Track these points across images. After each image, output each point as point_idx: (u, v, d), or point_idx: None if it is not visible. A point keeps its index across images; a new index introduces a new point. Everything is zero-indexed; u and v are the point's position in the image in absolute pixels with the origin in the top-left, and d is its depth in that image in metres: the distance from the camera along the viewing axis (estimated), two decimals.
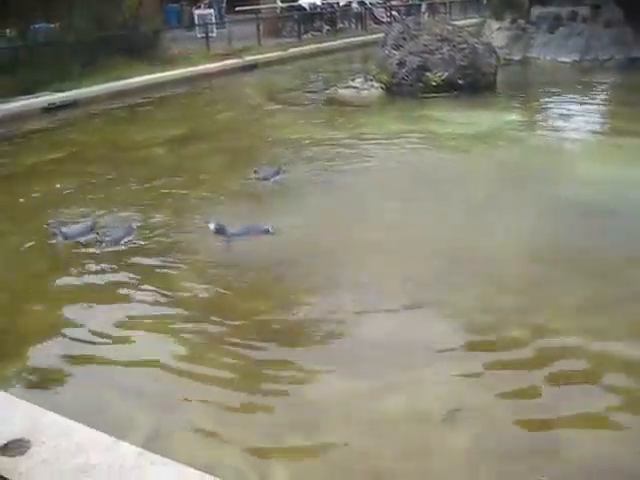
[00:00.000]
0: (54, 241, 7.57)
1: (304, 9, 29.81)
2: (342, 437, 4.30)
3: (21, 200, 9.39)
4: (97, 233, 7.62)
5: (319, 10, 30.85)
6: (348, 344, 5.40)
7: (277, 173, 9.49)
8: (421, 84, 15.19)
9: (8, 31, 20.09)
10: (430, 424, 4.37)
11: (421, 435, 4.28)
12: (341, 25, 31.23)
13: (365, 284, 6.36)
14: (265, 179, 9.31)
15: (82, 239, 7.55)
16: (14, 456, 3.36)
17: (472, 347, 5.25)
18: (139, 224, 7.99)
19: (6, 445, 3.43)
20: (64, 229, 7.65)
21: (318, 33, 28.96)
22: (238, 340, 5.49)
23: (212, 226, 7.45)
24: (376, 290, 6.24)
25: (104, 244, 7.40)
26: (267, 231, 7.49)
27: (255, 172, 9.39)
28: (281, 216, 7.98)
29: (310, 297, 6.16)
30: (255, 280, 6.56)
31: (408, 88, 15.28)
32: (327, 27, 29.99)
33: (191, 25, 28.34)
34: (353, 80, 16.32)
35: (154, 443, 4.04)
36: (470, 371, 4.89)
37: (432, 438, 4.25)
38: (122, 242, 7.47)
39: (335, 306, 5.95)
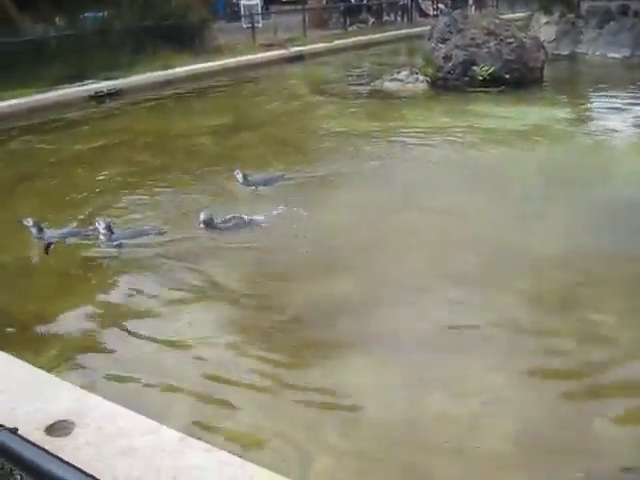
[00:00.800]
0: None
1: (350, 1, 29.75)
2: (380, 431, 4.30)
3: (66, 186, 9.53)
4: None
5: (365, 2, 30.74)
6: (388, 337, 5.41)
7: (271, 181, 9.07)
8: (467, 78, 15.06)
9: (57, 19, 20.34)
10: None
11: (458, 432, 4.28)
12: (387, 17, 31.13)
13: (404, 278, 6.35)
14: (252, 185, 8.92)
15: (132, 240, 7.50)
16: (59, 436, 3.41)
17: (514, 345, 5.21)
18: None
19: (52, 425, 3.49)
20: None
21: (364, 25, 28.86)
22: (282, 327, 5.56)
23: (202, 217, 7.45)
24: (414, 285, 6.23)
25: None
26: (254, 222, 7.57)
27: (244, 177, 8.92)
28: (322, 208, 8.02)
29: (349, 288, 6.19)
30: (299, 268, 6.63)
31: (454, 82, 15.17)
32: (373, 19, 29.90)
33: (237, 15, 28.42)
34: (398, 73, 16.22)
35: (195, 429, 4.08)
36: (512, 371, 4.86)
37: (468, 435, 4.24)
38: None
39: (372, 299, 5.97)
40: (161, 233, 7.49)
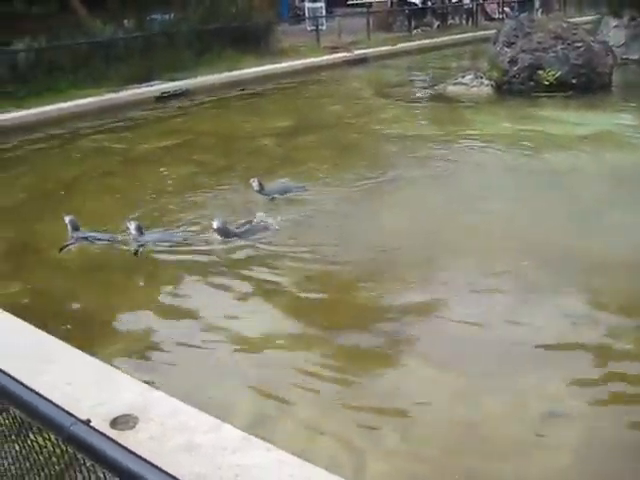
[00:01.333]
0: None
1: (415, 4, 29.59)
2: (439, 431, 4.29)
3: (134, 184, 9.72)
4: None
5: (430, 5, 30.55)
6: (451, 343, 5.38)
7: (288, 190, 8.85)
8: (533, 83, 14.86)
9: (126, 21, 20.72)
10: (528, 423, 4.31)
11: (518, 434, 4.23)
12: (452, 21, 30.87)
13: (467, 283, 6.31)
14: (266, 194, 8.69)
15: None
16: (123, 430, 3.47)
17: (576, 349, 5.14)
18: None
19: (115, 419, 3.55)
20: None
21: (428, 28, 28.68)
22: (345, 330, 5.59)
23: (215, 224, 7.43)
24: (478, 289, 6.19)
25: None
26: (268, 227, 7.56)
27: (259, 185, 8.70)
28: (383, 211, 8.04)
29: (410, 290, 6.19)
30: (363, 270, 6.66)
31: (519, 86, 14.98)
32: (438, 22, 29.70)
33: (300, 18, 28.56)
34: (463, 77, 16.07)
35: (255, 427, 4.11)
36: (573, 375, 4.79)
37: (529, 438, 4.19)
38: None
39: (434, 302, 5.95)
40: (185, 240, 7.52)
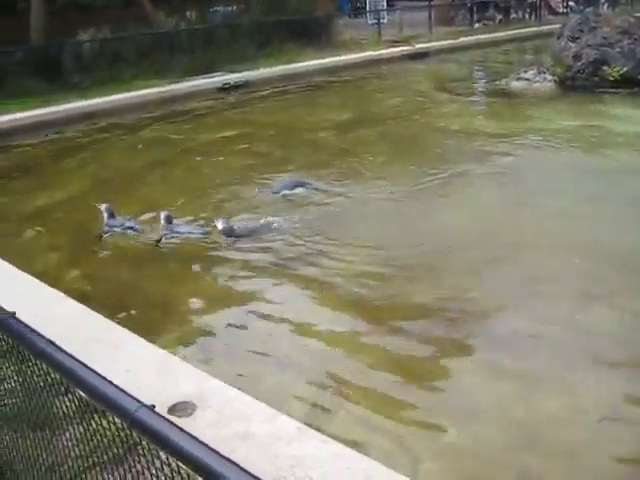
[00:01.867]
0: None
1: None
2: (495, 431, 4.25)
3: (193, 175, 9.84)
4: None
5: None
6: (511, 341, 5.33)
7: (295, 186, 8.90)
8: (597, 78, 14.55)
9: (188, 13, 20.95)
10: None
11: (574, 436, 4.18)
12: (514, 15, 30.39)
13: (530, 282, 6.22)
14: (275, 192, 8.81)
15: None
16: (181, 417, 3.51)
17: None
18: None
19: (174, 406, 3.60)
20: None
21: (490, 22, 28.33)
22: (403, 323, 5.57)
23: (219, 225, 7.48)
24: (535, 287, 6.11)
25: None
26: (272, 227, 7.56)
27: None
28: (445, 206, 8.04)
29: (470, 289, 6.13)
30: (422, 266, 6.64)
31: (583, 82, 14.69)
32: (500, 16, 29.28)
33: (357, 10, 28.49)
34: (525, 72, 15.83)
35: (310, 418, 4.13)
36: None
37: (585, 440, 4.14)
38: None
39: (496, 302, 5.89)
40: (206, 234, 7.61)
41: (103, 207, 7.84)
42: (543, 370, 4.83)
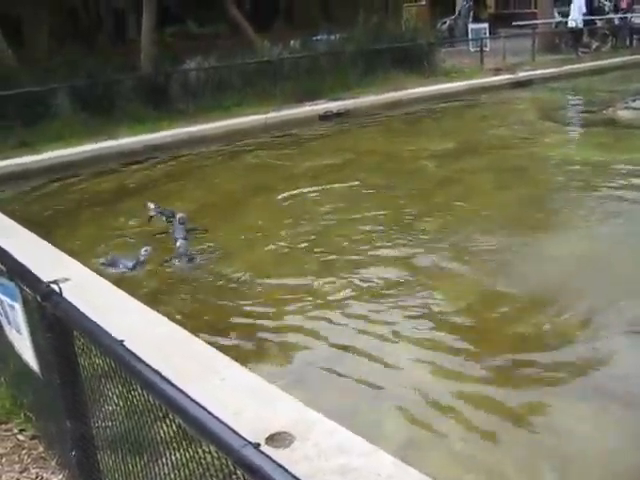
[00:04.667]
0: None
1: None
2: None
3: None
4: None
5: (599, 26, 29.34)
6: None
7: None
8: None
9: (292, 42, 21.29)
10: None
11: None
12: (611, 42, 29.43)
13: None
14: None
15: None
16: (279, 447, 3.49)
17: None
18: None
19: (272, 436, 3.58)
20: None
21: (587, 50, 27.55)
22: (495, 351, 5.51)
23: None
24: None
25: None
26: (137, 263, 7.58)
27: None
28: (551, 243, 7.83)
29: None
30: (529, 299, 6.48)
31: None
32: (597, 44, 28.41)
33: (453, 39, 28.33)
34: (634, 101, 15.38)
35: (404, 453, 4.05)
36: None
37: None
38: None
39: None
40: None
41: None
42: None
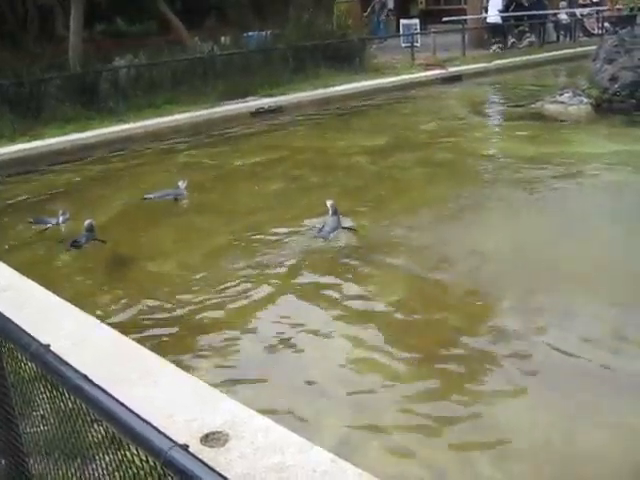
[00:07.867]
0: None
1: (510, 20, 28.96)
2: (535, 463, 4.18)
3: (228, 200, 9.88)
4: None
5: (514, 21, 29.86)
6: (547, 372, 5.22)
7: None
8: (634, 101, 14.33)
9: (223, 39, 21.17)
10: None
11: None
12: (537, 38, 30.02)
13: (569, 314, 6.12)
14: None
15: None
16: (214, 447, 3.47)
17: None
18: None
19: (207, 436, 3.56)
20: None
21: (523, 43, 28.01)
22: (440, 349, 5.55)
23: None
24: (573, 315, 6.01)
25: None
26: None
27: None
28: (481, 231, 7.98)
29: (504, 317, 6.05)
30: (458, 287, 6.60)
31: (620, 105, 14.50)
32: (531, 39, 28.97)
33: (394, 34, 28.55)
34: (560, 95, 15.65)
35: (343, 448, 4.07)
36: None
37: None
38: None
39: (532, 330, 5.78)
40: None
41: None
42: (579, 398, 4.70)
